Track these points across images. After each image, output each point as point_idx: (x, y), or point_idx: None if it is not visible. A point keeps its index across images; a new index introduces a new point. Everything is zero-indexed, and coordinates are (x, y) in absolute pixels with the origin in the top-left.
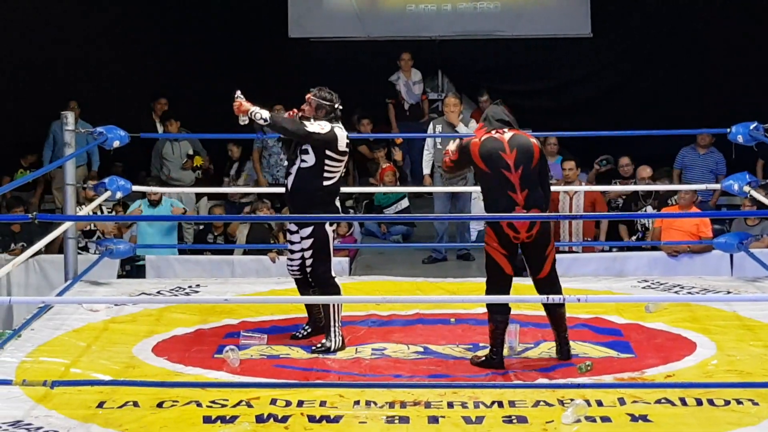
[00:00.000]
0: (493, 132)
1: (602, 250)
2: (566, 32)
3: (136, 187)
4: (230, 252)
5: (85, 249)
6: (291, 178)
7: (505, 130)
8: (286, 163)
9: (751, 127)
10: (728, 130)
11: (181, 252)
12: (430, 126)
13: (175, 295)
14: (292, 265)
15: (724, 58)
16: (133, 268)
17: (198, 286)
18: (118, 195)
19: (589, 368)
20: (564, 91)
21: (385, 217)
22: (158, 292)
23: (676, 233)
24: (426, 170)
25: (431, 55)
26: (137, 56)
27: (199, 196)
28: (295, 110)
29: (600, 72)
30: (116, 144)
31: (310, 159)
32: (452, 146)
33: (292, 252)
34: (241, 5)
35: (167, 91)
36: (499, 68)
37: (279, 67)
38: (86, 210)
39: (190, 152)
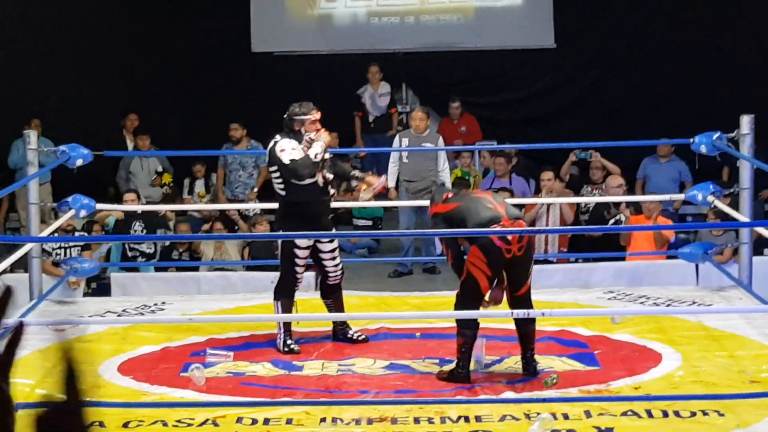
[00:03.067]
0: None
1: (575, 261)
2: (529, 44)
3: (100, 205)
4: (195, 268)
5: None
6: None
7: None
8: (247, 180)
9: (714, 137)
10: (691, 140)
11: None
12: (396, 139)
13: (141, 313)
14: (336, 272)
15: (688, 68)
16: (98, 286)
17: (164, 303)
18: (82, 213)
19: (555, 381)
20: (528, 102)
21: (351, 233)
22: (124, 311)
23: (641, 239)
24: (391, 183)
25: (395, 68)
26: (103, 72)
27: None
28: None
29: (563, 83)
30: (79, 162)
31: None
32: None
33: (334, 259)
34: (203, 19)
35: (136, 107)
36: (462, 80)
37: (242, 82)
38: (50, 229)
39: (159, 169)
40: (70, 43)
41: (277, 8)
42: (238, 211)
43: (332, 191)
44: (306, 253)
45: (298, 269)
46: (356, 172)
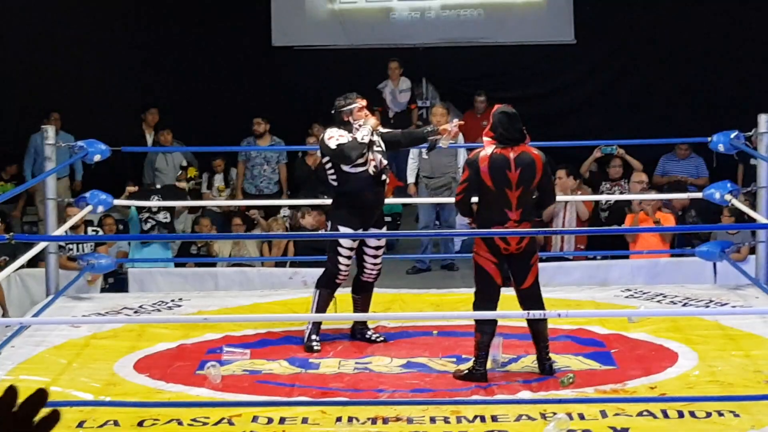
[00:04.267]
0: (500, 147)
1: (593, 258)
2: (550, 39)
3: (117, 201)
4: (213, 264)
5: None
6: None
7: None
8: (272, 175)
9: (732, 136)
10: (709, 138)
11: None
12: None
13: (158, 310)
14: (373, 270)
15: (707, 64)
16: (116, 281)
17: (180, 299)
18: (99, 209)
19: (571, 381)
20: (547, 98)
21: (373, 234)
22: (140, 307)
23: (647, 235)
24: (410, 179)
25: (415, 63)
26: (124, 66)
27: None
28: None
29: (583, 79)
30: (97, 158)
31: None
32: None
33: (376, 257)
34: (224, 13)
35: (156, 101)
36: (483, 76)
37: (262, 75)
38: (66, 226)
39: (184, 164)
40: (91, 38)
41: (297, 2)
42: (258, 207)
43: (384, 178)
44: (353, 245)
45: (342, 261)
46: (427, 128)
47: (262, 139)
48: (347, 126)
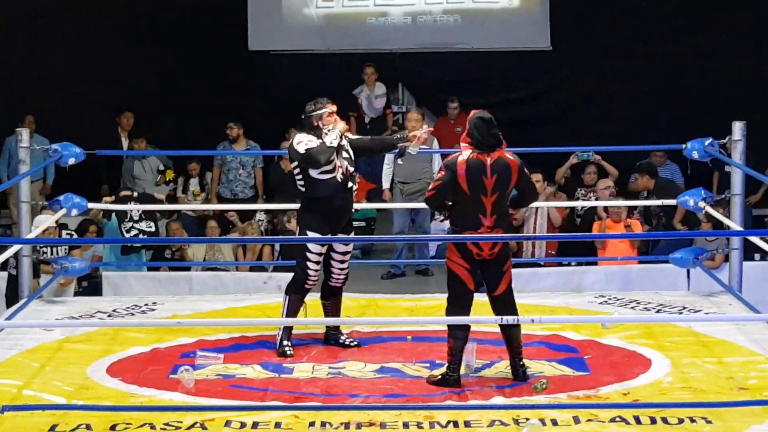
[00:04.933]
0: (477, 152)
1: (567, 264)
2: (526, 45)
3: (92, 204)
4: (187, 268)
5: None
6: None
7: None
8: (247, 179)
9: (707, 143)
10: (684, 146)
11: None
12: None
13: (132, 314)
14: (340, 275)
15: (683, 72)
16: (89, 285)
17: (155, 303)
18: (74, 213)
19: (544, 387)
20: (523, 104)
21: (346, 238)
22: (114, 311)
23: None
24: (385, 185)
25: (392, 68)
26: (99, 69)
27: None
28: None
29: (558, 86)
30: (71, 161)
31: None
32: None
33: (343, 262)
34: (200, 17)
35: (132, 105)
36: (459, 81)
37: (239, 80)
38: (40, 229)
39: (161, 167)
40: (66, 42)
41: (274, 7)
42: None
43: (351, 185)
44: (322, 250)
45: (311, 267)
46: (397, 134)
47: (237, 143)
48: (316, 131)
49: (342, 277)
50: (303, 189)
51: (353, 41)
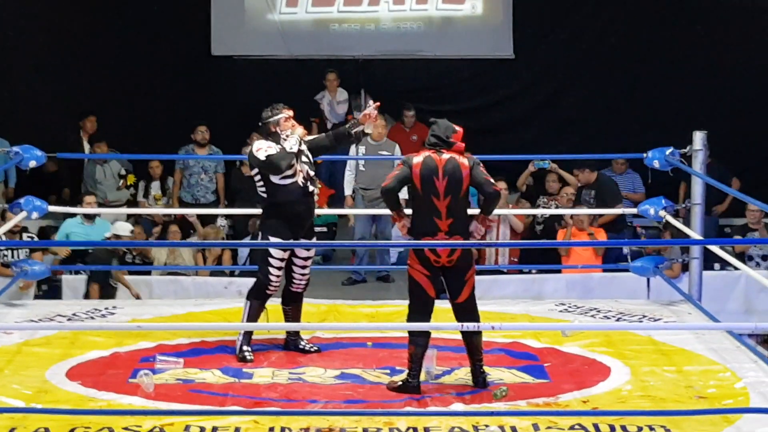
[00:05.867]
0: (432, 153)
1: (528, 272)
2: (489, 53)
3: (52, 208)
4: (147, 272)
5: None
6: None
7: (443, 150)
8: (209, 184)
9: (667, 153)
10: (645, 155)
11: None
12: (353, 146)
13: (92, 317)
14: (301, 281)
15: (645, 81)
16: (49, 288)
17: (114, 307)
18: (34, 216)
19: (504, 394)
20: (484, 112)
21: (308, 243)
22: (74, 314)
23: (579, 249)
24: (347, 191)
25: (354, 75)
26: (62, 72)
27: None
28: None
29: (522, 93)
30: (32, 164)
31: None
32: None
33: (304, 268)
34: (164, 21)
35: (95, 109)
36: (422, 88)
37: (202, 85)
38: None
39: (122, 172)
40: (29, 44)
41: (237, 12)
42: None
43: (313, 189)
44: (284, 255)
45: (272, 272)
46: (350, 122)
47: (203, 148)
48: (275, 137)
49: (303, 282)
50: (265, 195)
51: (316, 47)
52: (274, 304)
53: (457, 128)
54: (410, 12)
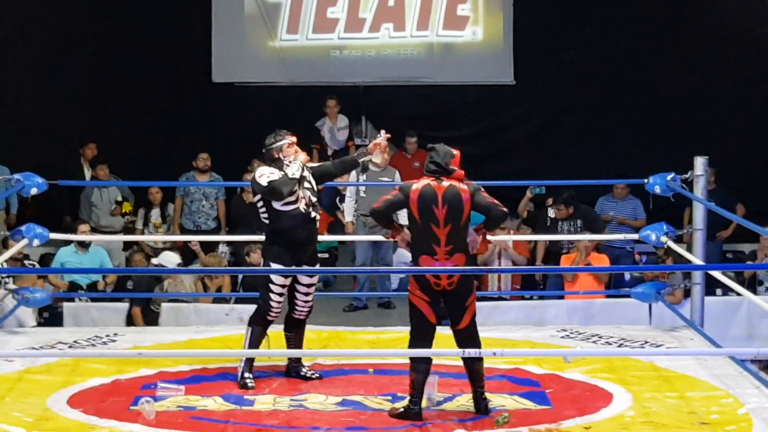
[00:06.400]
0: (431, 180)
1: (529, 298)
2: (489, 80)
3: (53, 235)
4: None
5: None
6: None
7: (442, 178)
8: (210, 211)
9: (668, 178)
10: (646, 180)
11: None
12: (353, 173)
13: (93, 345)
14: (304, 307)
15: (646, 106)
16: (51, 316)
17: (116, 335)
18: (35, 243)
19: (506, 420)
20: (484, 138)
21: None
22: (75, 341)
23: (583, 275)
24: (348, 217)
25: (355, 101)
26: (62, 100)
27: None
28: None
29: (522, 119)
30: (33, 191)
31: None
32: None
33: (307, 294)
34: (164, 48)
35: (95, 136)
36: (422, 114)
37: (203, 111)
38: (1, 259)
39: (119, 198)
40: (30, 70)
41: (238, 39)
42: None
43: (314, 215)
44: (285, 282)
45: (274, 299)
46: (358, 151)
47: (204, 174)
48: (277, 163)
49: (306, 309)
50: (267, 221)
51: (317, 74)
52: (276, 330)
53: (455, 152)
54: (411, 38)
